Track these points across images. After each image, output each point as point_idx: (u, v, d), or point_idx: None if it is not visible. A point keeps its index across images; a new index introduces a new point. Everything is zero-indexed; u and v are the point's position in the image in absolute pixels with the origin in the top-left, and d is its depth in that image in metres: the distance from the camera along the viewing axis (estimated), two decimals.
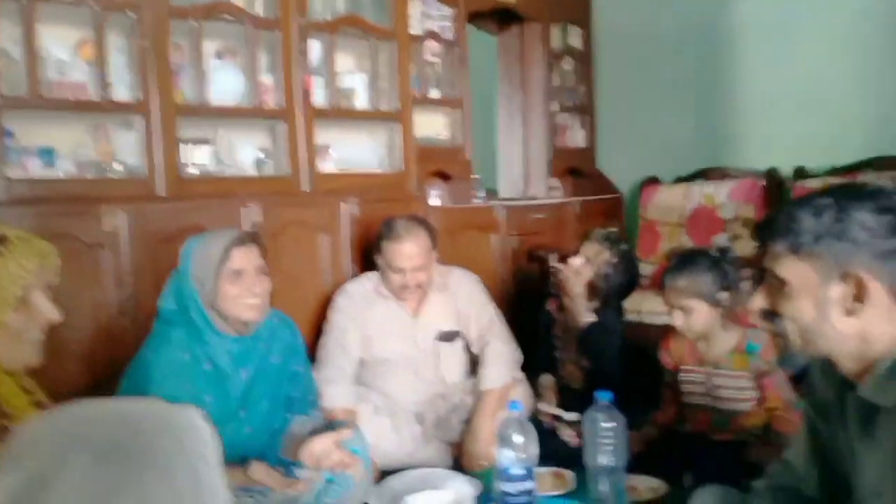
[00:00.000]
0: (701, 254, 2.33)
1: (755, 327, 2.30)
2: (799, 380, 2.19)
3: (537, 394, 2.73)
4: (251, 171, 2.81)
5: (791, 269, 1.14)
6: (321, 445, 1.96)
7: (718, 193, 3.69)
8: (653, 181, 4.11)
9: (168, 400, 2.01)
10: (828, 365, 1.27)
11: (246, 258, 2.04)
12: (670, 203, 3.86)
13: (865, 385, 1.13)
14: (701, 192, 3.76)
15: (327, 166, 2.95)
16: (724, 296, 2.20)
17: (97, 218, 2.38)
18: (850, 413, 1.20)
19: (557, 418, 2.56)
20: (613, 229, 2.79)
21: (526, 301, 3.55)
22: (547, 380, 2.77)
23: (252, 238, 2.09)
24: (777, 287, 1.17)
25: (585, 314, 2.66)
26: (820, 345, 1.16)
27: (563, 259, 2.78)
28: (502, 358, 2.59)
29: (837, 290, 1.11)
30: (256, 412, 2.13)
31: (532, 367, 2.85)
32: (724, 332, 2.25)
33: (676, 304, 2.22)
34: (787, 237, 1.14)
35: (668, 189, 3.97)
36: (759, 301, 1.22)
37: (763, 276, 1.22)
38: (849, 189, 1.15)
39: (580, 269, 2.65)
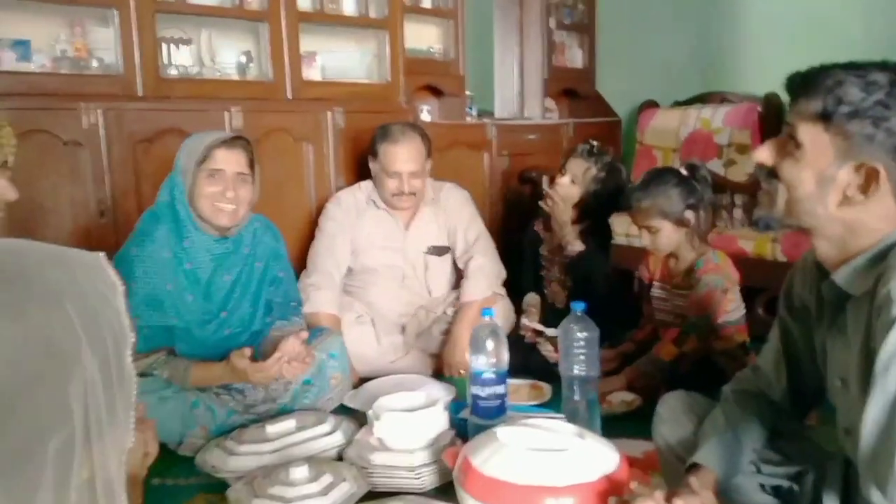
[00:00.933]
0: (667, 172, 2.29)
1: (718, 249, 2.29)
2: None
3: (521, 311, 2.73)
4: (234, 75, 2.74)
5: (812, 135, 1.06)
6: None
7: (715, 118, 3.61)
8: (651, 105, 4.02)
9: (150, 295, 2.00)
10: (809, 263, 1.24)
11: (226, 160, 2.02)
12: (667, 127, 3.78)
13: (840, 273, 1.10)
14: (697, 117, 3.68)
15: (312, 73, 2.88)
16: (689, 214, 2.18)
17: (75, 115, 2.33)
18: (826, 305, 1.18)
19: (539, 333, 2.56)
20: (594, 141, 2.72)
21: (515, 222, 3.52)
22: (532, 297, 2.76)
23: (240, 143, 2.06)
24: (789, 147, 1.10)
25: (574, 241, 2.62)
26: (804, 220, 1.10)
27: (551, 181, 2.74)
28: (484, 271, 2.59)
29: (846, 176, 1.04)
30: (237, 315, 2.14)
31: (517, 287, 2.85)
32: (692, 250, 2.24)
33: (642, 224, 2.20)
34: (825, 100, 1.04)
35: (666, 113, 3.89)
36: (763, 153, 1.14)
37: (769, 175, 1.14)
38: None
39: (568, 191, 2.60)
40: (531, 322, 2.59)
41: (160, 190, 2.09)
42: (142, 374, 1.94)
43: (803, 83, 1.08)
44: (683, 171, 2.23)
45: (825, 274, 1.15)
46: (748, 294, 2.37)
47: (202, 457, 1.77)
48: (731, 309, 2.23)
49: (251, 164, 2.09)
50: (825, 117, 1.04)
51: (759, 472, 1.36)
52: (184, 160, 2.03)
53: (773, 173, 1.13)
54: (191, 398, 1.97)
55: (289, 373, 1.99)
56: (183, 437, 1.94)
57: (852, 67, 1.05)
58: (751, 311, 2.44)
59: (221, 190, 2.02)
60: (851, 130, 1.03)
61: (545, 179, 3.07)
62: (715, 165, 3.43)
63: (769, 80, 3.60)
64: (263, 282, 2.21)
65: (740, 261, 2.37)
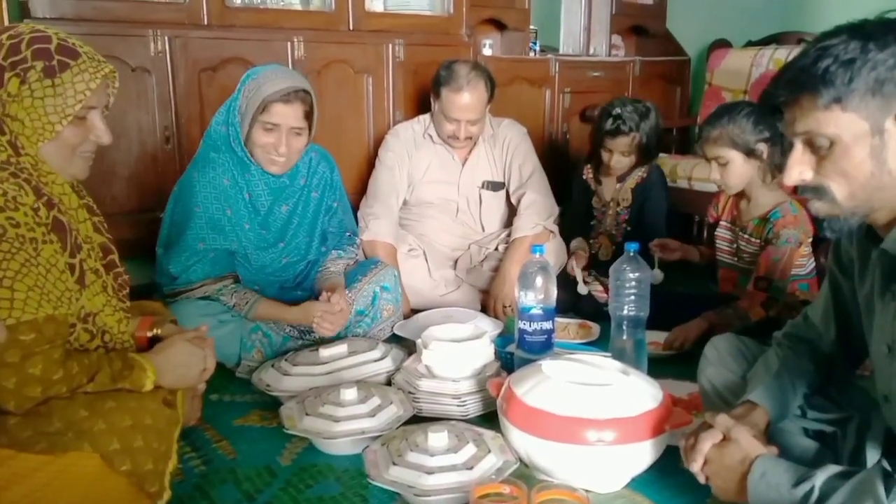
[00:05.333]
0: (741, 103, 2.21)
1: (798, 198, 2.20)
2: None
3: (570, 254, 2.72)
4: (296, 5, 2.75)
5: (837, 122, 1.02)
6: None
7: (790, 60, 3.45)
8: (723, 44, 3.87)
9: (213, 219, 2.05)
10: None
11: (283, 115, 1.98)
12: (738, 68, 3.63)
13: (890, 238, 1.07)
14: (771, 58, 3.52)
15: (374, 4, 2.86)
16: (762, 147, 2.08)
17: (143, 42, 2.39)
18: (872, 268, 1.15)
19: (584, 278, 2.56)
20: (616, 109, 2.59)
21: (573, 160, 3.48)
22: (579, 242, 2.73)
23: (298, 97, 1.99)
24: (819, 151, 1.05)
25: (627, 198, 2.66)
26: (875, 199, 1.05)
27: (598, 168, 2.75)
28: (535, 208, 2.57)
29: (893, 129, 1.01)
30: (294, 244, 2.19)
31: (570, 226, 2.84)
32: (766, 191, 2.15)
33: (711, 155, 2.12)
34: (832, 85, 1.00)
35: (738, 53, 3.73)
36: (797, 174, 1.08)
37: (815, 189, 1.08)
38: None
39: (625, 163, 2.63)
40: (576, 268, 2.54)
41: (216, 116, 2.08)
42: (207, 298, 2.02)
43: (802, 83, 1.03)
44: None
45: (876, 239, 1.11)
46: (812, 243, 2.30)
47: (257, 375, 1.85)
48: (803, 262, 2.17)
49: (308, 115, 2.05)
50: (838, 99, 1.01)
51: (804, 416, 1.36)
52: (243, 102, 1.99)
53: (819, 186, 1.08)
54: (250, 323, 2.03)
55: (322, 330, 2.05)
56: (240, 359, 2.02)
57: (824, 48, 1.01)
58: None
59: (274, 143, 2.00)
60: (869, 90, 0.99)
61: (587, 171, 2.94)
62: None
63: (851, 19, 3.45)
64: (319, 211, 2.24)
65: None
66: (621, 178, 2.69)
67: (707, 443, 1.19)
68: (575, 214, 2.82)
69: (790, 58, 2.97)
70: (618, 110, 2.57)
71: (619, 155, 2.60)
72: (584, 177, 2.80)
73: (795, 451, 1.35)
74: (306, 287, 2.21)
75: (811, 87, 1.02)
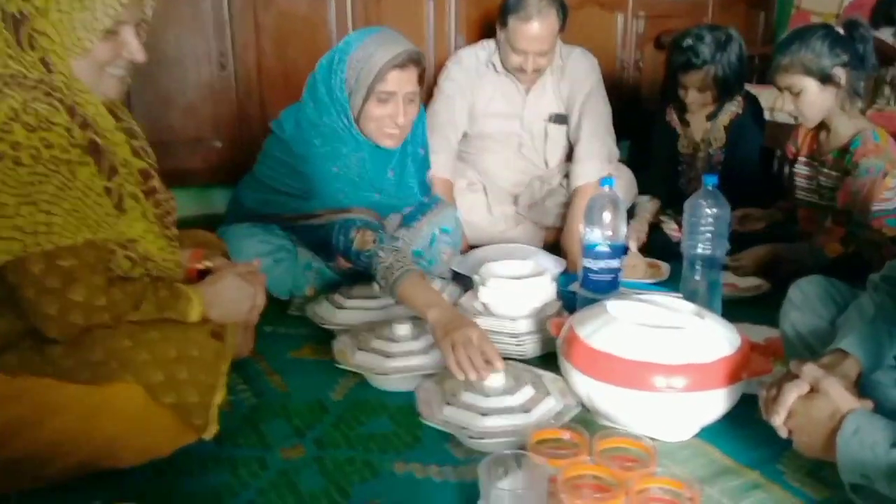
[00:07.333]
0: (815, 25, 2.02)
1: (881, 126, 2.02)
2: None
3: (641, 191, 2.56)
4: None
5: None
6: None
7: None
8: None
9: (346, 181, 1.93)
10: None
11: (399, 82, 1.88)
12: None
13: None
14: None
15: None
16: (839, 72, 1.91)
17: None
18: None
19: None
20: (690, 41, 2.34)
21: (647, 90, 3.29)
22: (648, 205, 2.50)
23: (412, 59, 1.89)
24: None
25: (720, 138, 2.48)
26: None
27: (680, 110, 2.51)
28: (596, 151, 2.38)
29: None
30: (404, 201, 2.12)
31: (643, 161, 2.67)
32: (846, 120, 1.98)
33: (783, 84, 1.96)
34: None
35: None
36: None
37: None
38: None
39: (705, 99, 2.41)
40: (633, 246, 2.28)
41: (306, 92, 1.96)
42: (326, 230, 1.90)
43: None
44: (839, 29, 1.96)
45: None
46: None
47: (311, 309, 1.81)
48: (890, 196, 1.99)
49: (421, 80, 1.95)
50: None
51: None
52: (352, 76, 1.87)
53: None
54: (304, 260, 1.97)
55: None
56: (292, 295, 1.97)
57: None
58: None
59: (391, 114, 1.90)
60: None
61: (670, 112, 2.69)
62: (884, 34, 3.01)
63: None
64: (416, 162, 2.13)
65: None
66: (711, 116, 2.47)
67: (792, 394, 1.08)
68: (655, 164, 2.60)
69: None
70: (689, 41, 2.34)
71: (694, 91, 2.39)
72: (668, 119, 2.59)
73: (888, 405, 1.22)
74: None
75: None
